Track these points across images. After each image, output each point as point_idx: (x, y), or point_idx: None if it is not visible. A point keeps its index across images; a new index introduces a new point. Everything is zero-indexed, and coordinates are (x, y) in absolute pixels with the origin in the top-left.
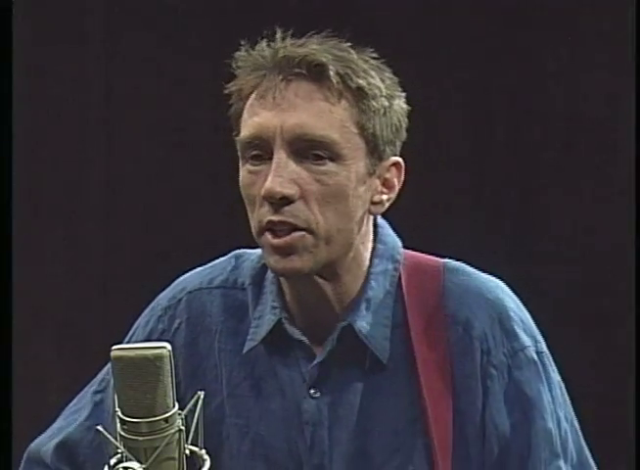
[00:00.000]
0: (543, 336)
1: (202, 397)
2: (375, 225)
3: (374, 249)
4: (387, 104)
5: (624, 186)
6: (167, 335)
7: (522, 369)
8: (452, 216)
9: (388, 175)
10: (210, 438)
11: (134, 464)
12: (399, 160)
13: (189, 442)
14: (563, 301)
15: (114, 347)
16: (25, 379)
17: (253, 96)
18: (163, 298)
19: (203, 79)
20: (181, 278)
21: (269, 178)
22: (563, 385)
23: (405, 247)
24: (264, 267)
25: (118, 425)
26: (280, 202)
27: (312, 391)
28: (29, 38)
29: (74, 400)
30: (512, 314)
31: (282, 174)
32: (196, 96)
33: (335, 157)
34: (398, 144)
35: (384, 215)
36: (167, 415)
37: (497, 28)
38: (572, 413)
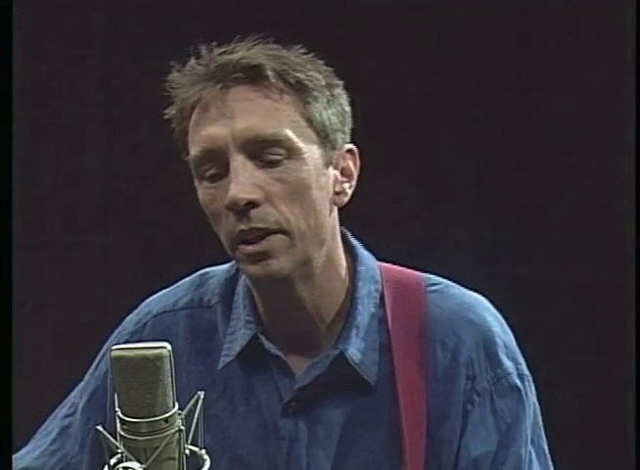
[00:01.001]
0: (544, 336)
1: (201, 396)
2: (351, 246)
3: (355, 271)
4: (328, 93)
5: (624, 186)
6: None
7: (504, 397)
8: (452, 216)
9: (344, 164)
10: None
11: (134, 464)
12: (352, 147)
13: (189, 442)
14: (563, 301)
15: (114, 347)
16: (25, 379)
17: (196, 112)
18: (129, 322)
19: None
20: (147, 300)
21: (231, 186)
22: (538, 406)
23: (377, 258)
24: (232, 283)
25: (118, 425)
26: (245, 208)
27: (289, 407)
28: (29, 38)
29: (47, 422)
30: (497, 340)
31: (242, 181)
32: None
33: (290, 153)
34: (347, 131)
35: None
36: (167, 415)
37: (497, 28)
38: (543, 435)
